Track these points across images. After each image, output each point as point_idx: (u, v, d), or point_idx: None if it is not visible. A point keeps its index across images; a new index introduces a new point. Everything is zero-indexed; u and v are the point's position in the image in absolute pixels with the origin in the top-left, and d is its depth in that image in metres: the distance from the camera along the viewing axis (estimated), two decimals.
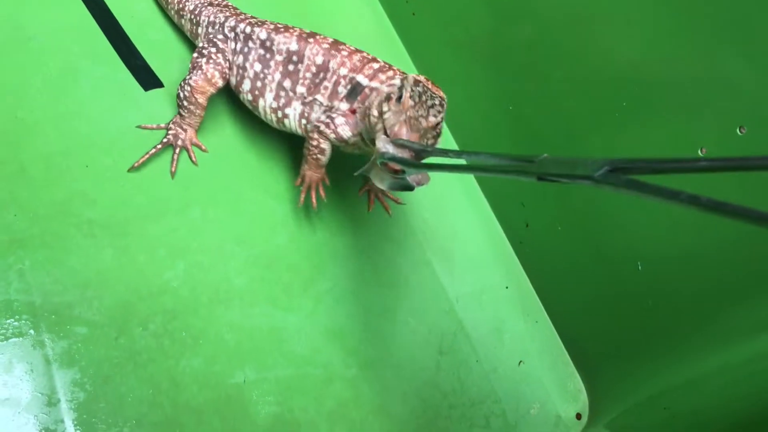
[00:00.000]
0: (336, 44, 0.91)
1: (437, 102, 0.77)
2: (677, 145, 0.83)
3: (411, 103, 0.76)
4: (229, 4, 1.04)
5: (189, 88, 0.95)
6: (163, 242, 0.93)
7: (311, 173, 0.95)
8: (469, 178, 1.19)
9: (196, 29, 1.03)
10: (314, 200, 0.96)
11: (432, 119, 0.76)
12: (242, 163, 1.04)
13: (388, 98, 0.79)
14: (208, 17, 1.00)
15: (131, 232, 0.92)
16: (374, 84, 0.87)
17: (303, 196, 0.97)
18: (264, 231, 1.00)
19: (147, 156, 0.95)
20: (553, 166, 0.49)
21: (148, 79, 1.03)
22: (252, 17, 0.99)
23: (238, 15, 0.99)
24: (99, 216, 0.91)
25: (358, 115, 0.88)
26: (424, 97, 0.77)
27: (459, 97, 1.10)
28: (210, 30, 1.00)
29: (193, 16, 1.02)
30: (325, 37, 0.92)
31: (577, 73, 0.94)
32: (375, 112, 0.80)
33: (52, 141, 0.93)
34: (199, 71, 0.95)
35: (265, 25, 0.94)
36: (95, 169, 0.94)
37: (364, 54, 0.90)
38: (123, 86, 1.01)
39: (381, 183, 0.75)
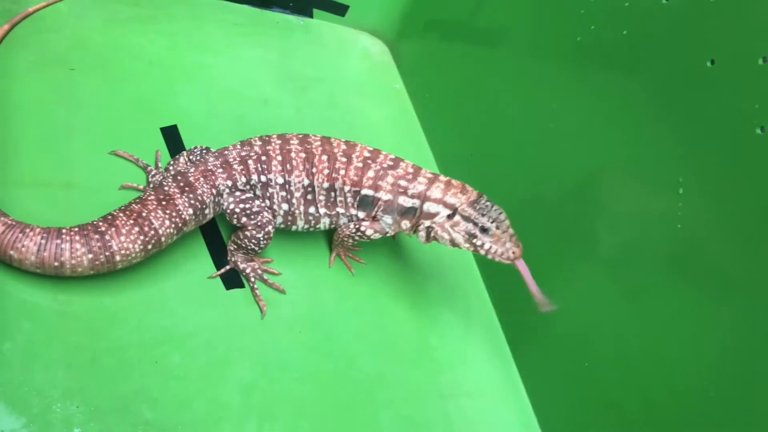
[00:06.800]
0: (333, 163, 1.03)
1: (494, 206, 1.00)
2: None
3: (499, 231, 0.97)
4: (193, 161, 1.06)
5: (268, 232, 1.03)
6: None
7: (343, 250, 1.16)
8: None
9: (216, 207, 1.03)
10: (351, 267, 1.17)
11: (504, 218, 0.99)
12: (304, 379, 1.02)
13: (472, 235, 0.99)
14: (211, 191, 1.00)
15: None
16: (382, 195, 1.04)
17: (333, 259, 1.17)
18: None
19: (258, 299, 1.05)
20: None
21: (231, 279, 1.06)
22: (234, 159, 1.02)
23: (228, 170, 1.01)
24: (156, 418, 0.89)
25: (398, 225, 1.06)
26: (491, 212, 0.99)
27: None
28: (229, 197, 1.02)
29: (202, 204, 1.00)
30: (321, 159, 1.03)
31: None
32: (460, 240, 1.00)
33: (130, 332, 0.94)
34: (266, 213, 1.03)
35: (273, 167, 1.02)
36: (164, 366, 0.93)
37: (358, 165, 1.03)
38: (207, 283, 1.04)
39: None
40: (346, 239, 1.09)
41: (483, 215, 0.99)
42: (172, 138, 1.19)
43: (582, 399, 1.04)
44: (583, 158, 1.03)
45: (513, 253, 0.97)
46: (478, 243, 0.99)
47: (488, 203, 1.01)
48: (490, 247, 0.99)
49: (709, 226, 0.84)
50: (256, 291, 1.05)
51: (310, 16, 1.56)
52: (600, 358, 1.01)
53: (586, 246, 1.04)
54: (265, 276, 1.07)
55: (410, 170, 1.04)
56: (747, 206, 0.79)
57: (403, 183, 1.03)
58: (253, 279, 1.06)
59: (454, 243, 1.02)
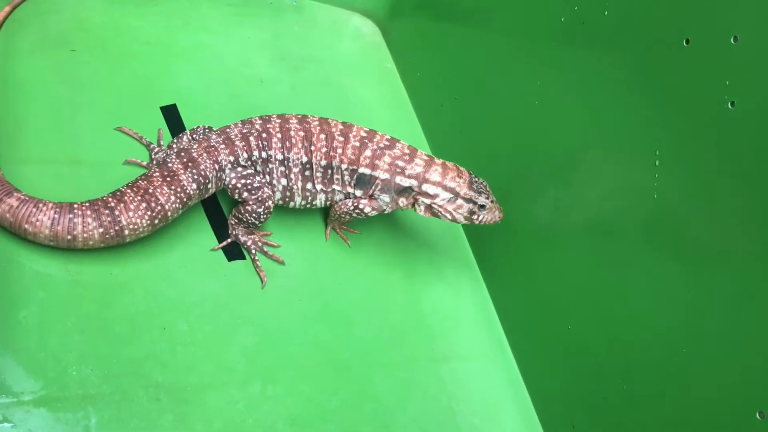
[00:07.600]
0: (331, 141, 1.07)
1: (481, 180, 1.11)
2: None
3: (494, 206, 1.10)
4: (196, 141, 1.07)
5: (268, 206, 1.07)
6: (221, 414, 0.95)
7: (338, 224, 1.20)
8: None
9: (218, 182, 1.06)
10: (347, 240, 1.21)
11: (489, 189, 1.11)
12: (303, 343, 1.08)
13: (473, 212, 1.09)
14: (214, 168, 1.04)
15: (193, 400, 0.94)
16: (379, 174, 1.08)
17: (329, 233, 1.21)
18: (317, 417, 1.02)
19: (259, 270, 1.10)
20: None
21: (233, 251, 1.11)
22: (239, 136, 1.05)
23: (230, 147, 1.04)
24: (166, 380, 0.94)
25: (403, 204, 1.11)
26: (483, 188, 1.10)
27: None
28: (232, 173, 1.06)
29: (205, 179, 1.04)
30: (320, 138, 1.07)
31: None
32: (461, 219, 1.10)
33: (138, 301, 0.99)
34: (266, 189, 1.07)
35: (273, 144, 1.06)
36: (171, 333, 0.98)
37: (355, 144, 1.07)
38: (210, 255, 1.09)
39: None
40: (343, 215, 1.14)
41: (480, 193, 1.09)
42: (172, 116, 1.23)
43: (565, 359, 1.10)
44: (565, 133, 1.09)
45: (499, 218, 1.12)
46: (476, 218, 1.11)
47: (477, 179, 1.11)
48: (484, 218, 1.11)
49: (683, 196, 0.90)
50: (257, 262, 1.10)
51: None
52: (582, 322, 1.07)
53: (569, 216, 1.10)
54: (265, 248, 1.12)
55: (406, 151, 1.10)
56: (718, 176, 0.85)
57: (400, 163, 1.08)
58: (254, 251, 1.11)
59: (454, 220, 1.12)
